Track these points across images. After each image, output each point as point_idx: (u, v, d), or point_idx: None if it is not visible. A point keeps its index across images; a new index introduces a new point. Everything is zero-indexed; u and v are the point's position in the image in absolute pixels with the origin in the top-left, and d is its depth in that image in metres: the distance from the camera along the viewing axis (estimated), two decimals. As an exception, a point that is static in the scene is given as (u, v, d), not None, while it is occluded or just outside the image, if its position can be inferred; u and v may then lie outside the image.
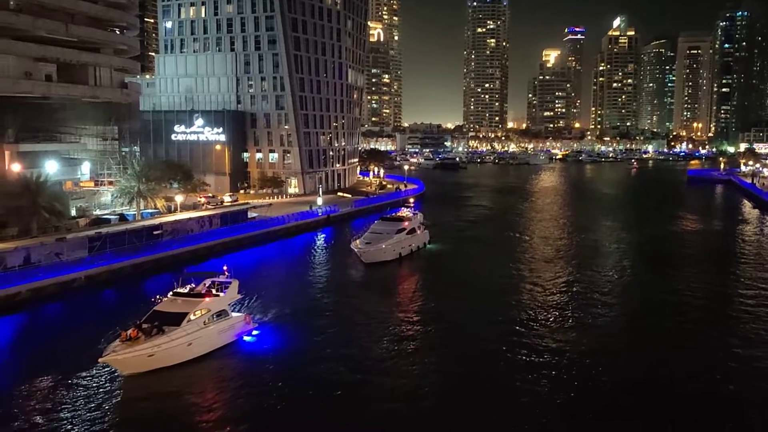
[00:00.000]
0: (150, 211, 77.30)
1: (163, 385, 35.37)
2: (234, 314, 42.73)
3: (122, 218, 73.71)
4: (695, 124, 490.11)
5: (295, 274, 64.60)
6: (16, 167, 69.16)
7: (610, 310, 51.45)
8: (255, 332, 43.43)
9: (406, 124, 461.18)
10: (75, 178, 78.08)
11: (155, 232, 67.69)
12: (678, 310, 51.72)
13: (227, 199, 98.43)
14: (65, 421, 31.16)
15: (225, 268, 45.12)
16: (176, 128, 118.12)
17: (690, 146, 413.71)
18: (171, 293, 41.39)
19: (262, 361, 39.34)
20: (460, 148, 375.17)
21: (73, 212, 72.14)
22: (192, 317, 38.83)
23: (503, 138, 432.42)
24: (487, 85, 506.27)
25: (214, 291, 42.21)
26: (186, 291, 41.83)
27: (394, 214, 77.95)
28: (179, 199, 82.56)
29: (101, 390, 34.56)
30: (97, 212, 75.73)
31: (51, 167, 72.01)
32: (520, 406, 33.57)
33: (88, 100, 77.35)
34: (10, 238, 59.86)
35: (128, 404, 33.51)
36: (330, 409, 33.19)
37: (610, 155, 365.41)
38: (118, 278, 58.08)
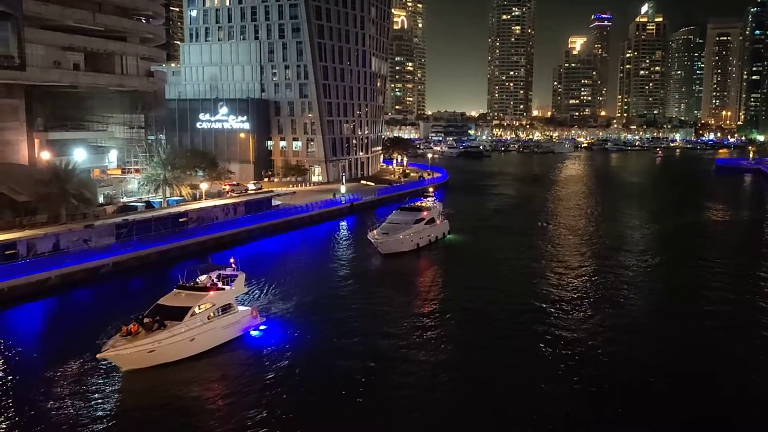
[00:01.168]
0: (176, 198, 78.13)
1: (162, 380, 34.43)
2: (240, 308, 41.66)
3: (148, 205, 74.61)
4: (724, 113, 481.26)
5: (310, 264, 64.04)
6: (45, 155, 70.32)
7: (635, 301, 51.02)
8: (262, 327, 42.24)
9: (429, 112, 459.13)
10: (102, 166, 79.20)
11: (181, 220, 68.56)
12: (706, 301, 51.21)
13: (251, 187, 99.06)
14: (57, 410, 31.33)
15: (232, 260, 44.06)
16: (201, 116, 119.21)
17: (718, 135, 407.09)
18: (176, 287, 40.50)
19: (268, 357, 38.06)
20: (484, 137, 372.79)
21: (101, 199, 73.15)
22: (195, 312, 37.77)
23: (528, 126, 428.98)
24: (511, 72, 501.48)
25: (220, 284, 41.24)
26: (190, 285, 40.88)
27: (412, 203, 76.61)
28: (204, 186, 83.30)
29: (99, 382, 34.18)
30: (124, 200, 76.69)
31: (79, 155, 73.04)
32: (544, 397, 33.47)
33: (115, 89, 78.23)
34: (40, 225, 60.94)
35: (125, 400, 32.75)
36: (337, 408, 31.97)
37: (637, 144, 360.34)
38: (144, 265, 58.91)
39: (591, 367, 36.91)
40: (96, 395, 32.78)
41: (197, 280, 41.67)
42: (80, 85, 73.10)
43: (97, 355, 34.03)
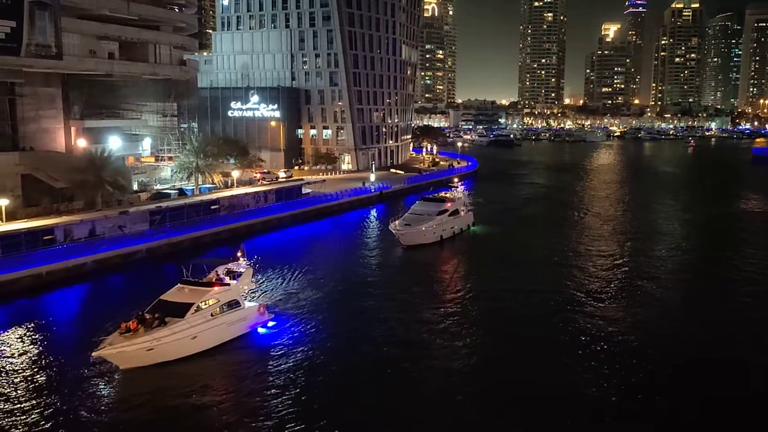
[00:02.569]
0: (208, 186, 79.12)
1: (161, 380, 33.13)
2: (247, 304, 39.93)
3: (181, 193, 75.66)
4: (762, 101, 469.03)
5: (331, 255, 63.15)
6: (81, 143, 71.68)
7: (668, 294, 50.29)
8: (271, 323, 40.62)
9: (459, 101, 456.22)
10: (136, 154, 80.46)
11: (213, 207, 69.44)
12: (742, 292, 50.47)
13: (282, 174, 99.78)
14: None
15: (240, 254, 42.53)
16: (232, 105, 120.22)
17: (755, 124, 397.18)
18: (180, 281, 38.99)
19: (273, 356, 36.41)
20: (515, 125, 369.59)
21: (135, 187, 74.33)
22: (198, 308, 36.17)
23: (559, 115, 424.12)
24: (543, 60, 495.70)
25: (227, 279, 39.80)
26: (195, 280, 39.32)
27: (436, 194, 74.76)
28: (235, 174, 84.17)
29: (97, 379, 33.37)
30: (158, 187, 77.85)
31: (114, 143, 74.31)
32: (570, 388, 33.30)
33: (149, 77, 79.25)
34: (77, 211, 62.26)
35: (122, 399, 31.67)
36: (345, 410, 30.41)
37: (671, 133, 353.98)
38: (177, 251, 59.60)
39: (620, 360, 36.51)
40: (90, 392, 32.03)
41: (211, 272, 40.37)
42: (115, 73, 74.23)
43: (93, 354, 32.73)
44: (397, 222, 65.11)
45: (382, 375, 34.33)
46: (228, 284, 39.16)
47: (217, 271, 40.45)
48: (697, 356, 37.54)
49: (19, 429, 28.49)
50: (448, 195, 73.23)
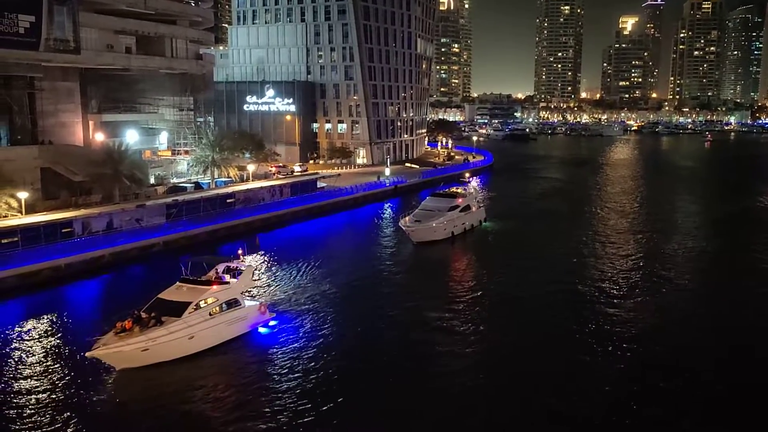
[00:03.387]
0: (223, 179, 79.52)
1: (156, 380, 32.38)
2: (247, 303, 38.97)
3: (197, 186, 76.17)
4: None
5: (341, 250, 62.98)
6: (99, 136, 72.30)
7: (686, 293, 49.81)
8: (272, 323, 39.70)
9: (475, 95, 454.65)
10: (153, 147, 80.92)
11: (228, 201, 69.88)
12: (759, 288, 49.99)
13: (297, 168, 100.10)
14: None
15: (240, 252, 41.84)
16: (248, 99, 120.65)
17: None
18: (179, 280, 38.10)
19: (272, 356, 35.45)
20: (531, 119, 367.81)
21: (152, 180, 74.85)
22: (196, 307, 35.37)
23: (575, 108, 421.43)
24: (560, 53, 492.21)
25: (227, 277, 38.89)
26: (193, 278, 38.33)
27: (447, 189, 73.18)
28: (251, 168, 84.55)
29: (92, 378, 32.66)
30: (174, 180, 78.38)
31: (131, 137, 74.85)
32: (585, 389, 33.18)
33: (165, 72, 79.69)
34: (95, 204, 62.90)
35: (116, 401, 30.94)
36: (345, 415, 29.16)
37: (689, 127, 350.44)
38: (193, 244, 59.99)
39: (640, 360, 36.31)
40: (82, 393, 31.29)
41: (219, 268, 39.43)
42: (132, 68, 74.71)
43: (87, 354, 32.18)
44: (407, 218, 63.84)
45: (387, 377, 33.18)
46: (227, 283, 38.34)
47: (217, 270, 39.60)
48: (717, 355, 37.26)
49: (14, 424, 28.36)
50: (459, 190, 71.92)
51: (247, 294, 40.89)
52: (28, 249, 49.11)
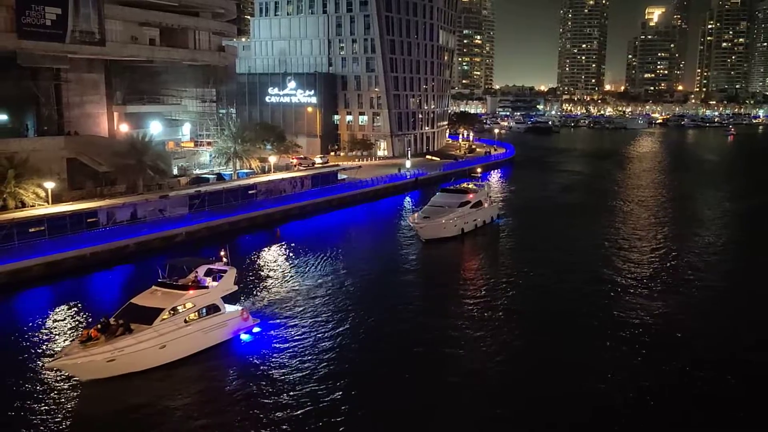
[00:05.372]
0: (245, 171, 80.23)
1: (123, 393, 30.20)
2: (228, 308, 36.36)
3: (219, 177, 76.91)
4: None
5: (353, 244, 62.19)
6: (123, 128, 73.28)
7: (710, 291, 48.92)
8: (255, 329, 37.36)
9: (497, 87, 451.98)
10: (176, 139, 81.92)
11: (250, 192, 70.46)
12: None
13: (318, 160, 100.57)
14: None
15: (222, 253, 38.87)
16: (270, 90, 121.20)
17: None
18: (154, 283, 35.90)
19: (254, 365, 33.24)
20: (553, 112, 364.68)
21: (175, 171, 75.72)
22: (169, 314, 32.99)
23: (599, 101, 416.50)
24: (584, 45, 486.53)
25: (207, 281, 36.72)
26: (170, 282, 36.02)
27: (457, 185, 71.08)
28: (273, 159, 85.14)
29: (57, 389, 30.65)
30: (197, 171, 79.24)
31: (155, 128, 75.82)
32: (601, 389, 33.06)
33: (188, 63, 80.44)
34: (119, 195, 63.96)
35: (80, 414, 28.99)
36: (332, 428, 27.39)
37: (716, 120, 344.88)
38: (215, 235, 60.59)
39: (660, 360, 35.97)
40: (40, 406, 29.19)
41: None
42: (156, 59, 75.51)
43: (47, 364, 30.37)
44: (416, 215, 62.26)
45: (379, 388, 31.16)
46: (206, 287, 35.97)
47: (197, 272, 37.25)
48: (737, 354, 36.90)
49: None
50: (470, 186, 70.26)
51: (231, 296, 38.12)
52: (54, 238, 50.07)
